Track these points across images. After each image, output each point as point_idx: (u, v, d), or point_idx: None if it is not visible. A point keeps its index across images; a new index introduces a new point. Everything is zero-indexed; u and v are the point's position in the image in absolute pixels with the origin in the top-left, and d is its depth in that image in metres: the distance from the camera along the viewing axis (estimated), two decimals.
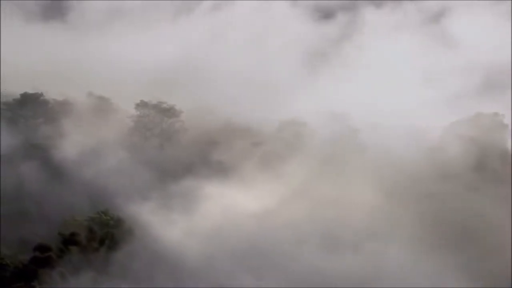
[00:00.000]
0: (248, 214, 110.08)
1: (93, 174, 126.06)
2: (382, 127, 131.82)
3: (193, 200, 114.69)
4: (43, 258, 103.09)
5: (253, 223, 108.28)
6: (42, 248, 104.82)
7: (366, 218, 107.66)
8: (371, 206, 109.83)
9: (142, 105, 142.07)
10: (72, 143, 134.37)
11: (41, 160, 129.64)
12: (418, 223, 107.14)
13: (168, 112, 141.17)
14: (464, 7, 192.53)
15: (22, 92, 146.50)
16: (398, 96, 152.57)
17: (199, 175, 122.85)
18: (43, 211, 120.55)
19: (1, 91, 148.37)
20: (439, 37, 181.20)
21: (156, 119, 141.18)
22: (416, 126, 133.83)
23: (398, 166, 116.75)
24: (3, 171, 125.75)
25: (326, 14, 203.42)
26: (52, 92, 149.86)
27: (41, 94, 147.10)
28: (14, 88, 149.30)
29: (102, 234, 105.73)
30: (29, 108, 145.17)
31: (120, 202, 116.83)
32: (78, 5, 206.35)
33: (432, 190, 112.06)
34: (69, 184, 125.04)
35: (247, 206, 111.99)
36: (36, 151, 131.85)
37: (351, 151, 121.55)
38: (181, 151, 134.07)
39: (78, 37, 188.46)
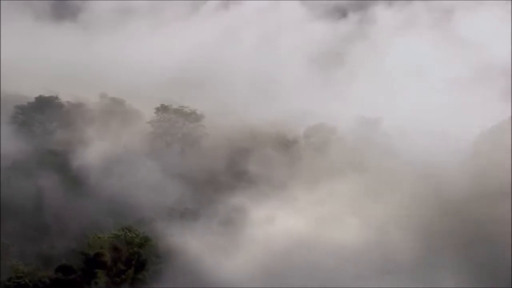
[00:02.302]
0: (284, 228, 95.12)
1: (113, 183, 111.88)
2: (414, 132, 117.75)
3: (225, 213, 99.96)
4: (67, 281, 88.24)
5: (289, 238, 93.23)
6: (65, 269, 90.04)
7: (419, 240, 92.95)
8: (421, 225, 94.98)
9: (162, 109, 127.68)
10: (90, 149, 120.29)
11: (58, 168, 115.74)
12: (475, 246, 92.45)
13: (190, 116, 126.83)
14: (478, 6, 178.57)
15: (30, 94, 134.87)
16: (423, 99, 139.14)
17: (228, 186, 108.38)
18: (62, 223, 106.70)
19: (15, 94, 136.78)
20: (460, 37, 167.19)
21: (178, 123, 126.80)
22: (448, 132, 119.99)
23: (443, 179, 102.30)
24: (18, 179, 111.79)
25: (339, 14, 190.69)
26: (64, 94, 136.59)
27: (56, 97, 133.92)
28: (25, 91, 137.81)
29: (129, 254, 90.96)
30: (44, 112, 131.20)
31: (144, 215, 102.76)
32: (88, 5, 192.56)
33: (483, 208, 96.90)
34: (88, 194, 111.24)
35: (282, 220, 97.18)
36: (53, 158, 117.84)
37: (387, 159, 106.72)
38: (206, 158, 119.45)
39: (89, 37, 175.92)
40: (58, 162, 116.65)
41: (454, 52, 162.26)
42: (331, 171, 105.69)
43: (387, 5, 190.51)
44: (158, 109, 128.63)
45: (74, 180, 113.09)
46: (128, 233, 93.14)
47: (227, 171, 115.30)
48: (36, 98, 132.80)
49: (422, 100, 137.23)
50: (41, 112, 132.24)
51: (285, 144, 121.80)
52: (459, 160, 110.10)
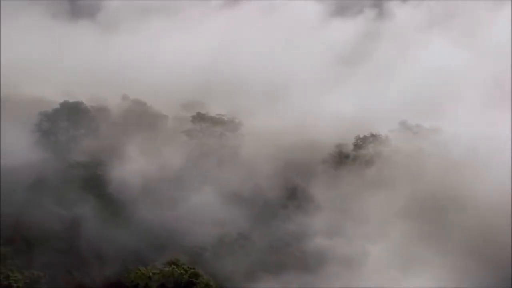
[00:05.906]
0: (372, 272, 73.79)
1: (152, 202, 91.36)
2: (470, 140, 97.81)
3: (285, 239, 79.22)
4: None
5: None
6: None
7: None
8: None
9: (199, 117, 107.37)
10: (123, 161, 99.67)
11: (90, 184, 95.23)
12: None
13: (229, 125, 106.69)
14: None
15: (49, 96, 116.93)
16: (468, 103, 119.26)
17: (281, 205, 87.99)
18: (96, 249, 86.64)
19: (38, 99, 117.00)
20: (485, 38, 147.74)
21: (216, 133, 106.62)
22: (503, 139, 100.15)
23: None
24: (45, 198, 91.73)
25: (356, 10, 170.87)
26: (83, 96, 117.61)
27: (82, 102, 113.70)
28: (42, 93, 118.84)
29: None
30: (70, 118, 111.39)
31: (190, 243, 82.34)
32: (107, 4, 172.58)
33: None
34: (125, 215, 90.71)
35: (368, 259, 75.82)
36: (83, 172, 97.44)
37: (461, 176, 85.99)
38: (249, 172, 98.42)
39: (107, 37, 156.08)
40: (90, 177, 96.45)
41: (483, 52, 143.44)
42: (404, 193, 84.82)
43: (401, 3, 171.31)
44: (194, 118, 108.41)
45: (108, 199, 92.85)
46: (176, 269, 73.14)
47: (277, 187, 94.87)
48: (61, 104, 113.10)
49: (467, 104, 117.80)
50: (66, 118, 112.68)
51: (333, 155, 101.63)
52: None
